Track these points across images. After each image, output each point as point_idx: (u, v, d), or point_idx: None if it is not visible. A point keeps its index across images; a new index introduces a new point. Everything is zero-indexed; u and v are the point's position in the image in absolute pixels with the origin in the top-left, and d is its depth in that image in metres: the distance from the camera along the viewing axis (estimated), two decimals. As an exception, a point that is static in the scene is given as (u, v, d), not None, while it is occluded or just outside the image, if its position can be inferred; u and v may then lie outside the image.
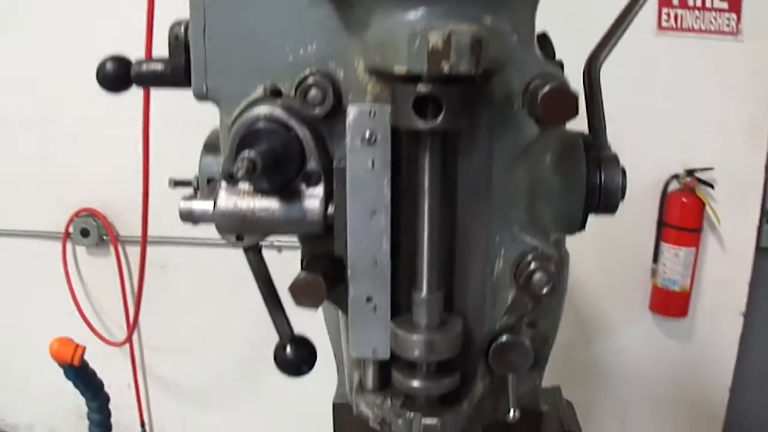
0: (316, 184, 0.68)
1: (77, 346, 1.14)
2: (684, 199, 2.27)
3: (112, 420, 2.62)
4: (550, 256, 0.70)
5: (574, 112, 0.61)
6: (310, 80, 0.67)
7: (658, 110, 2.21)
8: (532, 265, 0.68)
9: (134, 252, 2.46)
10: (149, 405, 2.75)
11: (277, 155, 0.66)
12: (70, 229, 2.46)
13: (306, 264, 0.69)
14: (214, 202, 0.69)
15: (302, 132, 0.67)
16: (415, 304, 0.67)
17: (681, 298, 2.35)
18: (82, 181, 2.44)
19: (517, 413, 0.75)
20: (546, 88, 0.60)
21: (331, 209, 0.68)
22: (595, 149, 0.84)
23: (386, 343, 0.69)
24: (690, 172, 2.26)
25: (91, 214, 2.42)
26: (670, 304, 2.37)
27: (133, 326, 2.43)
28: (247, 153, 0.62)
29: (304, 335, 0.75)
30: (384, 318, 0.69)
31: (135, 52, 0.81)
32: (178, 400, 2.72)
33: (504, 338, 0.73)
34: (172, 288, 2.51)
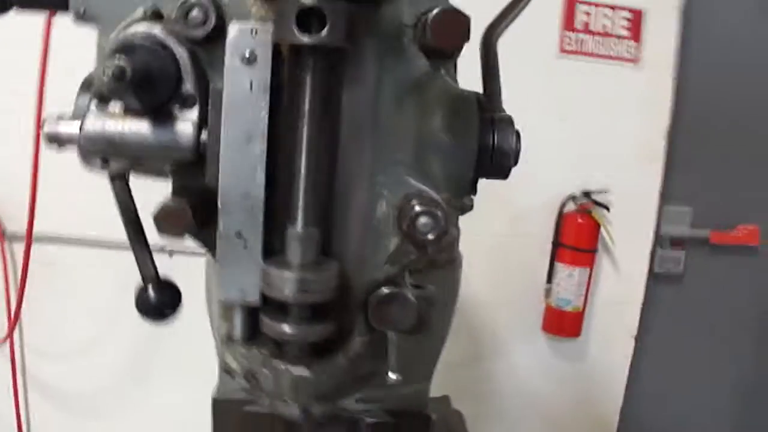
0: (190, 107, 0.64)
1: None
2: (580, 220, 2.33)
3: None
4: (437, 201, 0.67)
5: (466, 35, 0.59)
6: (193, 0, 0.63)
7: (556, 131, 2.27)
8: (417, 209, 0.66)
9: (21, 249, 2.32)
10: (29, 410, 2.56)
11: (150, 71, 0.61)
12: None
13: (173, 191, 0.64)
14: (81, 124, 0.64)
15: (180, 52, 0.63)
16: (288, 240, 0.63)
17: (574, 318, 2.40)
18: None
19: (396, 376, 0.71)
20: (436, 11, 0.59)
21: (204, 135, 0.64)
22: (489, 111, 0.83)
23: (256, 284, 0.64)
24: (586, 194, 2.32)
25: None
26: (563, 324, 2.41)
27: (13, 324, 2.27)
28: (116, 59, 0.57)
29: (169, 278, 0.70)
30: (255, 256, 0.64)
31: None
32: (61, 405, 2.55)
33: (385, 290, 0.69)
34: (59, 288, 2.37)
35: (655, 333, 2.50)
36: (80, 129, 0.64)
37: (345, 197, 0.67)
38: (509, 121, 0.82)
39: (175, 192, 0.65)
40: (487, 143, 0.80)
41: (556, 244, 2.40)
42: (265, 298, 0.65)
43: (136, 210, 0.69)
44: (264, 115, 0.62)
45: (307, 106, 0.61)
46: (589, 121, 2.30)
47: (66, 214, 2.27)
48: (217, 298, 0.68)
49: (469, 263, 2.49)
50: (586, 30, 2.26)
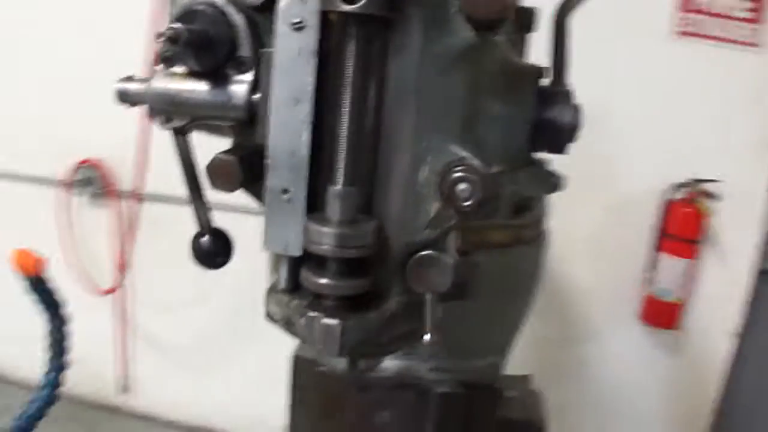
0: (246, 71, 0.69)
1: (37, 257, 1.15)
2: (686, 209, 2.23)
3: (94, 370, 2.63)
4: (478, 169, 0.69)
5: (499, 6, 0.60)
6: (251, -30, 0.68)
7: (666, 116, 2.18)
8: (457, 175, 0.68)
9: (131, 206, 2.50)
10: (126, 358, 2.77)
11: (209, 36, 0.66)
12: (72, 177, 2.50)
13: (228, 149, 0.69)
14: (148, 83, 0.70)
15: (237, 19, 0.68)
16: (328, 197, 0.66)
17: (674, 309, 2.31)
18: (87, 133, 2.48)
19: (431, 337, 0.73)
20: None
21: (256, 97, 0.68)
22: (554, 85, 0.83)
23: (299, 238, 0.68)
24: (695, 182, 2.22)
25: (93, 165, 2.46)
26: (662, 314, 2.33)
27: (120, 278, 2.45)
28: (174, 24, 0.62)
29: (223, 228, 0.75)
30: (298, 211, 0.68)
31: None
32: (161, 356, 2.74)
33: (423, 253, 0.72)
34: (165, 245, 2.53)
35: (759, 331, 2.37)
36: (147, 88, 0.70)
37: (388, 160, 0.69)
38: (567, 95, 0.82)
39: (230, 149, 0.70)
40: (542, 116, 0.80)
41: (660, 233, 2.32)
42: (307, 253, 0.69)
43: (194, 164, 0.74)
44: (310, 79, 0.65)
45: (350, 72, 0.64)
46: (702, 106, 2.19)
47: (176, 175, 2.42)
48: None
49: (568, 245, 2.47)
50: (703, 11, 2.15)
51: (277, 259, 0.74)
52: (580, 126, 0.83)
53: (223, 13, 0.68)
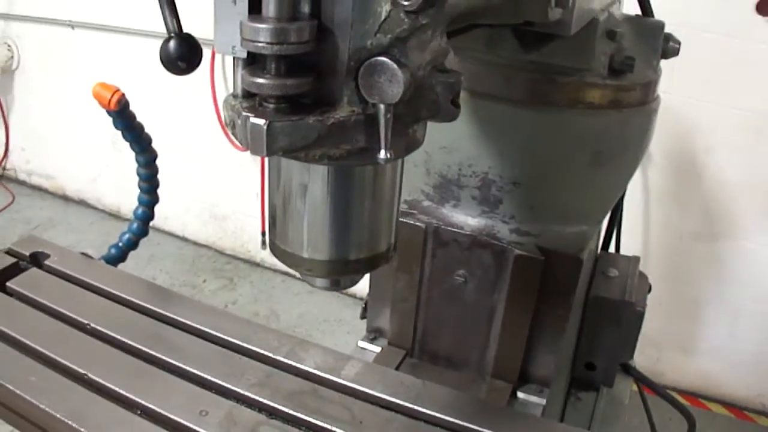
0: None
1: (116, 90, 1.24)
2: None
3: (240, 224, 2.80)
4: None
5: None
6: None
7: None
8: (401, -28, 0.63)
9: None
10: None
11: None
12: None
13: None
14: None
15: None
16: (266, -5, 0.65)
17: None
18: None
19: (388, 154, 0.70)
20: None
21: None
22: None
23: (244, 39, 0.68)
24: None
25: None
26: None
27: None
28: None
29: (191, 34, 0.76)
30: (243, 13, 0.67)
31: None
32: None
33: (373, 59, 0.69)
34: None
35: None
36: None
37: (332, -43, 0.66)
38: None
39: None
40: None
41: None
42: (252, 55, 0.68)
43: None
44: None
45: None
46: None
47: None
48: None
49: (717, 134, 2.28)
50: None
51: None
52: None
53: None
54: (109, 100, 1.24)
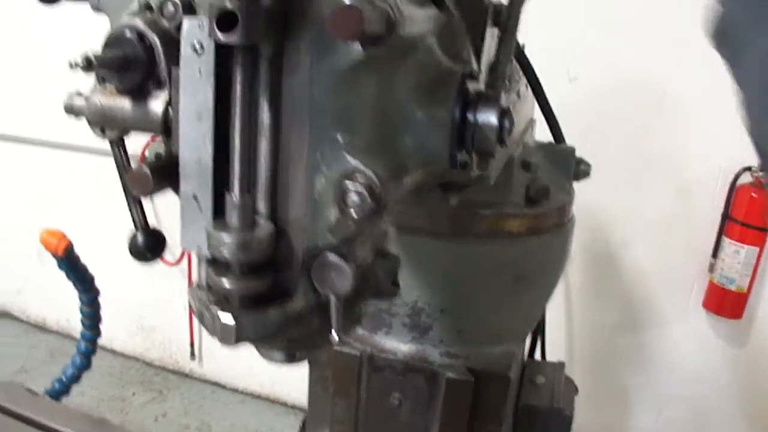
0: (163, 88, 0.76)
1: (62, 237, 1.28)
2: (753, 194, 2.13)
3: (167, 336, 2.81)
4: (371, 179, 0.73)
5: (358, 26, 0.64)
6: (168, -5, 0.75)
7: (732, 97, 2.09)
8: (348, 186, 0.73)
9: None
10: (201, 327, 2.96)
11: (128, 58, 0.74)
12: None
13: (150, 159, 0.78)
14: (87, 99, 0.80)
15: (155, 41, 0.76)
16: (227, 205, 0.73)
17: (737, 298, 2.23)
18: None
19: (337, 336, 0.78)
20: (332, 8, 0.64)
21: (171, 112, 0.76)
22: (478, 89, 0.85)
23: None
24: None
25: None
26: (725, 303, 2.25)
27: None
28: (90, 52, 0.71)
29: (157, 228, 0.84)
30: (207, 217, 0.75)
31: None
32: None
33: (323, 256, 0.77)
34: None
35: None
36: (87, 102, 0.79)
37: (286, 171, 0.75)
38: (493, 97, 0.83)
39: (153, 159, 0.78)
40: (461, 120, 0.82)
41: (726, 217, 2.23)
42: (214, 255, 0.76)
43: (129, 170, 0.83)
44: (210, 97, 0.72)
45: (237, 93, 0.70)
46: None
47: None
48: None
49: (632, 228, 2.44)
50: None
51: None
52: (508, 129, 0.83)
53: (141, 37, 0.75)
54: (56, 247, 1.28)
